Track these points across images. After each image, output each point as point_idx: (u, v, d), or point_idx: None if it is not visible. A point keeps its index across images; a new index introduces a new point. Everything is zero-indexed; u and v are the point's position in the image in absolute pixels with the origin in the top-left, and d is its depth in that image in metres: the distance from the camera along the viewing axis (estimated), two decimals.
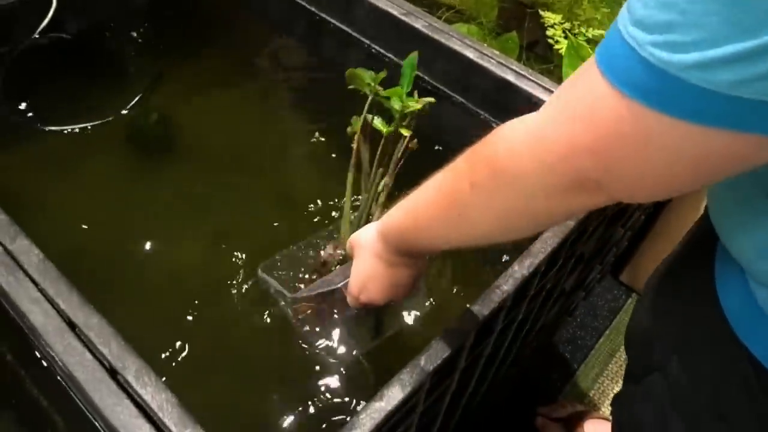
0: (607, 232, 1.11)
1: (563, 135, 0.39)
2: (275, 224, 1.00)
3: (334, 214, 1.02)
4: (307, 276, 0.90)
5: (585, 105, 0.38)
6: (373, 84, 0.93)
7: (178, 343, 0.84)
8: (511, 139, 0.45)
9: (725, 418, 0.56)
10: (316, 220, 1.01)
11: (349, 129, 0.96)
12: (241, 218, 1.01)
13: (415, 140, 0.95)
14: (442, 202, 0.53)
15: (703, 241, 0.61)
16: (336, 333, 0.85)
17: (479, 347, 0.75)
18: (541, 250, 0.76)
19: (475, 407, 1.03)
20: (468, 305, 0.69)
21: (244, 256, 0.95)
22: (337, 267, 0.86)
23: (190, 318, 0.88)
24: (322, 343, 0.85)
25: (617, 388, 1.36)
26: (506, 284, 0.71)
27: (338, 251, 0.91)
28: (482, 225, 0.51)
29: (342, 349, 0.85)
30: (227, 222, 1.00)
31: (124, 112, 1.11)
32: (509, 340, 0.88)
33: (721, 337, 0.54)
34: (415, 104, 0.91)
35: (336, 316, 0.84)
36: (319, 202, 1.03)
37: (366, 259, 0.67)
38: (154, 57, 1.24)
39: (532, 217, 0.47)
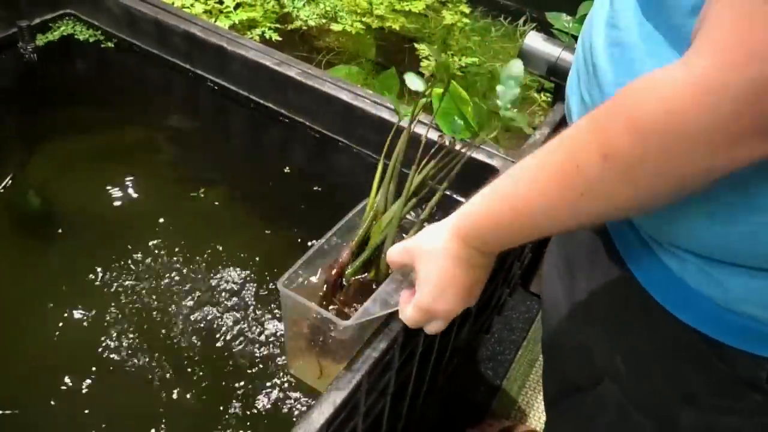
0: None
1: (749, 78, 0.34)
2: (173, 288, 0.98)
3: (233, 268, 1.01)
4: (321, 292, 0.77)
5: None
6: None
7: None
8: (663, 94, 0.38)
9: (691, 397, 0.55)
10: (214, 274, 1.00)
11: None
12: (134, 293, 0.97)
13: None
14: (555, 184, 0.46)
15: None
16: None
17: (378, 386, 0.76)
18: None
19: None
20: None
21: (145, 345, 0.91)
22: (383, 284, 0.73)
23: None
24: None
25: (541, 397, 1.39)
26: (395, 321, 0.72)
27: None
28: (613, 202, 0.44)
29: None
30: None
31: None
32: (415, 373, 0.89)
33: (658, 321, 0.53)
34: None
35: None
36: (210, 255, 1.02)
37: (440, 265, 0.59)
38: (26, 134, 1.20)
39: (684, 182, 0.41)
